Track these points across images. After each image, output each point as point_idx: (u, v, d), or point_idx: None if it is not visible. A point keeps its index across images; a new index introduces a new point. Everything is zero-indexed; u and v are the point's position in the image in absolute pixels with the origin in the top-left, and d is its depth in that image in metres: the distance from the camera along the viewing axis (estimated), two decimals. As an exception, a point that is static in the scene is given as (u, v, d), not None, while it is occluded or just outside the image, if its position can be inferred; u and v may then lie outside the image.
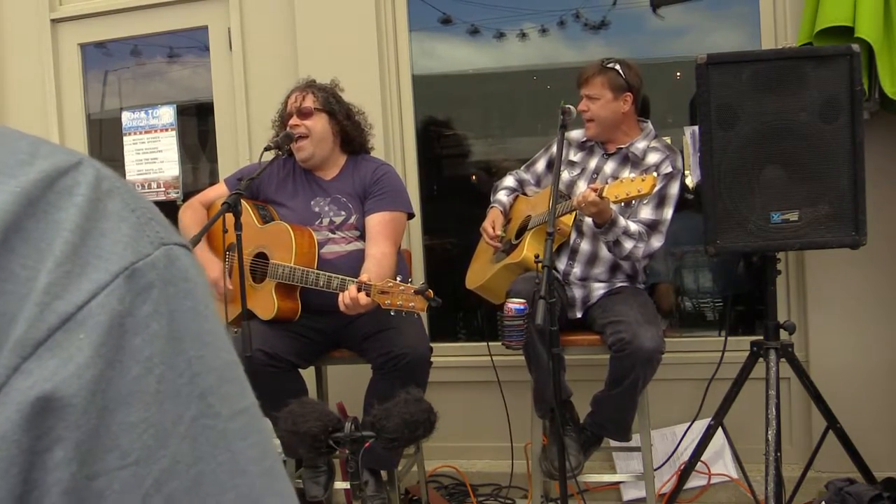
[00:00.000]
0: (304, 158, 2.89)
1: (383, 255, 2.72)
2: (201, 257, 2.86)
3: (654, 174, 2.49)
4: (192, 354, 0.41)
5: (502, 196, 3.10)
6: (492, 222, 3.01)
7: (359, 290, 2.48)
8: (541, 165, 3.11)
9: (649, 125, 2.94)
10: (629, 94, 2.85)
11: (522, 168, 3.15)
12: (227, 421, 0.41)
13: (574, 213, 2.78)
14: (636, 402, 2.70)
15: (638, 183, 2.45)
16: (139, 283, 0.39)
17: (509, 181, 3.14)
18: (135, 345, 0.38)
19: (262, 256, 2.83)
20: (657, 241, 2.78)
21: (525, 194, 3.14)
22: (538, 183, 3.11)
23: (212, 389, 0.41)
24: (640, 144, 2.88)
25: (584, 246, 2.87)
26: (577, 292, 2.88)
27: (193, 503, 0.39)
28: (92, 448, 0.37)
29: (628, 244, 2.71)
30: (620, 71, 2.84)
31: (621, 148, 2.90)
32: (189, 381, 0.40)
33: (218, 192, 2.98)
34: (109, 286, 0.39)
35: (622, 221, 2.67)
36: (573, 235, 2.87)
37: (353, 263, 2.74)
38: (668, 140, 3.02)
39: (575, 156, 2.99)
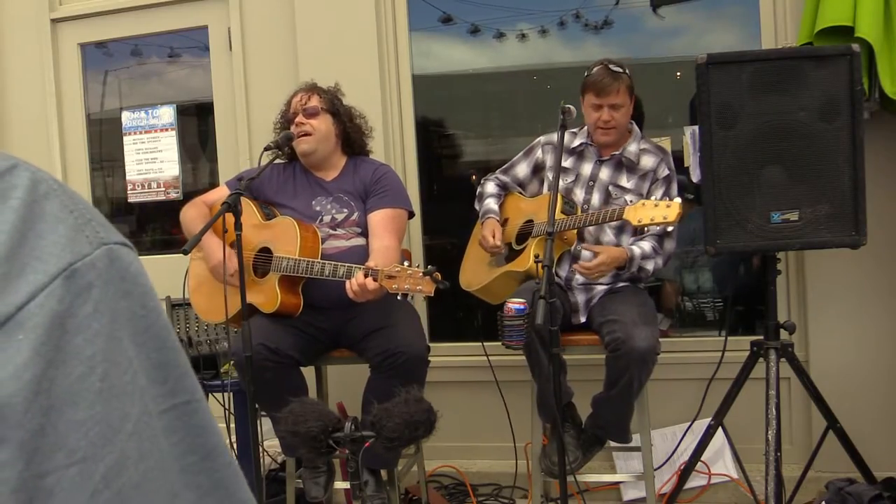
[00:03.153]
0: (305, 151, 2.90)
1: (387, 248, 2.74)
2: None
3: (679, 200, 2.46)
4: (132, 354, 0.41)
5: (492, 204, 3.03)
6: (492, 232, 2.93)
7: (366, 275, 2.49)
8: (522, 170, 3.05)
9: (635, 126, 2.92)
10: (634, 96, 2.85)
11: (500, 171, 3.10)
12: (157, 419, 0.42)
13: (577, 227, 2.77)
14: (633, 404, 2.70)
15: (663, 209, 2.42)
16: (78, 283, 0.40)
17: (492, 187, 3.08)
18: (76, 344, 0.39)
19: (265, 252, 2.85)
20: (670, 245, 2.79)
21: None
22: (522, 187, 3.08)
23: (146, 389, 0.42)
24: (633, 147, 2.86)
25: (586, 253, 2.83)
26: (581, 297, 2.87)
27: (142, 498, 0.40)
28: (38, 447, 0.37)
29: (650, 265, 2.73)
30: (629, 73, 2.81)
31: (615, 154, 2.87)
32: (132, 379, 0.41)
33: (220, 195, 2.98)
34: (48, 287, 0.39)
35: (637, 251, 2.67)
36: (574, 242, 2.86)
37: (354, 258, 2.75)
38: (656, 140, 3.01)
39: (566, 161, 2.92)
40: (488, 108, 4.04)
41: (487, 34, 3.78)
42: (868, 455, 2.73)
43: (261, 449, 2.67)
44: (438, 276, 2.42)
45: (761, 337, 2.73)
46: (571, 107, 2.70)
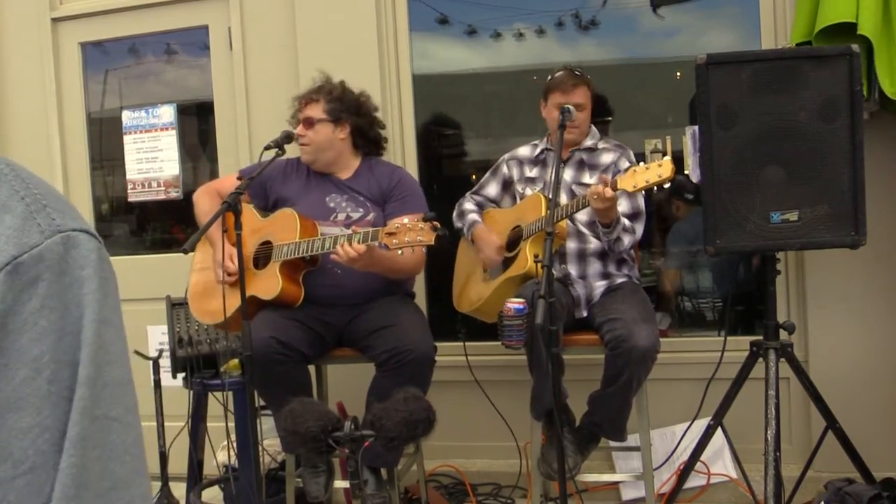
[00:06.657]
0: (305, 161, 2.96)
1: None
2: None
3: (669, 157, 2.46)
4: (85, 352, 0.38)
5: (475, 216, 3.11)
6: (489, 235, 3.00)
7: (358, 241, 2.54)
8: (493, 189, 3.14)
9: (593, 128, 3.01)
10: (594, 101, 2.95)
11: (471, 193, 3.18)
12: (101, 424, 0.39)
13: (566, 218, 2.78)
14: (630, 402, 2.70)
15: (655, 169, 2.42)
16: (23, 277, 0.37)
17: (470, 204, 3.15)
18: (20, 345, 0.36)
19: (266, 244, 2.86)
20: (640, 230, 2.85)
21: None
22: (496, 205, 3.15)
23: (92, 395, 0.38)
24: (589, 145, 2.95)
25: (571, 245, 2.88)
26: (581, 291, 2.89)
27: None
28: None
29: (626, 238, 2.77)
30: (590, 79, 2.94)
31: (574, 151, 2.96)
32: (84, 380, 0.38)
33: (232, 182, 2.99)
34: None
35: (622, 219, 2.71)
36: (566, 236, 2.87)
37: None
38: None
39: (530, 172, 3.03)
40: (488, 108, 4.04)
41: (486, 34, 3.79)
42: (867, 455, 2.73)
43: (261, 448, 2.67)
44: (437, 224, 2.43)
45: (761, 337, 2.73)
46: (571, 106, 2.71)
